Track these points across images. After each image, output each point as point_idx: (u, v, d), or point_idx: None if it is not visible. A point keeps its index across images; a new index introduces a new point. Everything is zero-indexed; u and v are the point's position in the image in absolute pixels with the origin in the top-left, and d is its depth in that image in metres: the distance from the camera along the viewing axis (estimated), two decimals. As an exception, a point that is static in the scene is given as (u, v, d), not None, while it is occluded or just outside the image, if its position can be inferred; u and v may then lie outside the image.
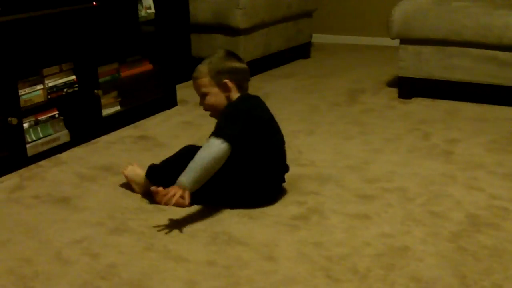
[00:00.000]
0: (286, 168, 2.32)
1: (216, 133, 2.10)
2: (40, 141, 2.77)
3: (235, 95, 2.24)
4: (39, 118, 2.79)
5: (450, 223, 2.08)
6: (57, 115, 2.87)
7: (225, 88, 2.22)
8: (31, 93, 2.74)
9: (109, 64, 3.15)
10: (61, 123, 2.89)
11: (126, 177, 2.41)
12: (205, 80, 2.24)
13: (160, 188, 2.24)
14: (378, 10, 4.96)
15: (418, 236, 2.00)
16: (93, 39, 3.00)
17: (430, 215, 2.15)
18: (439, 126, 3.08)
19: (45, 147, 2.78)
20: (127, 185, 2.43)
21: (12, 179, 2.56)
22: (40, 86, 2.77)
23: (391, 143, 2.86)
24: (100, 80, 3.06)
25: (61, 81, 2.85)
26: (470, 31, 3.29)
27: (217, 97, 2.23)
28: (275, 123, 2.29)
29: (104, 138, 3.03)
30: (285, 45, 4.43)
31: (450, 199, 2.27)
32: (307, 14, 4.63)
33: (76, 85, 2.92)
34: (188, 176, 2.05)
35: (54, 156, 2.79)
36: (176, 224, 2.11)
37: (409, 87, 3.58)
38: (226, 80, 2.21)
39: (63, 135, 2.87)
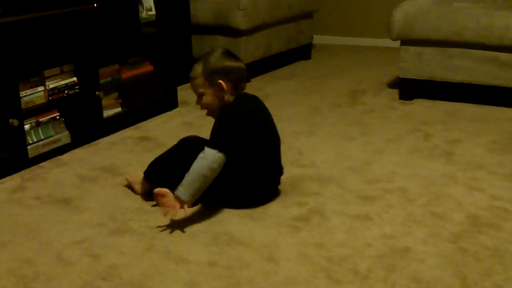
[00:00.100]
0: (280, 170, 2.32)
1: (211, 144, 2.11)
2: (41, 142, 2.77)
3: (230, 95, 2.23)
4: (40, 119, 2.79)
5: (451, 224, 2.08)
6: (58, 117, 2.87)
7: (219, 89, 2.22)
8: (32, 95, 2.74)
9: (110, 66, 3.15)
10: (62, 125, 2.89)
11: (127, 179, 2.41)
12: (200, 80, 2.24)
13: (163, 191, 2.15)
14: (379, 11, 4.96)
15: (419, 237, 2.00)
16: (94, 40, 3.00)
17: (431, 216, 2.15)
18: (440, 127, 3.08)
19: (46, 149, 2.78)
20: (128, 186, 2.43)
21: (13, 180, 2.57)
22: (41, 88, 2.78)
23: (392, 144, 2.86)
24: (101, 81, 3.06)
25: (62, 82, 2.86)
26: (471, 32, 3.29)
27: (212, 97, 2.24)
28: (271, 125, 2.28)
29: (105, 139, 3.03)
30: (286, 46, 4.43)
31: (451, 199, 2.27)
32: (308, 15, 4.63)
33: (77, 87, 2.92)
34: (186, 190, 2.07)
35: (55, 158, 2.79)
36: (177, 225, 2.11)
37: (410, 88, 3.58)
38: (220, 81, 2.20)
39: (64, 137, 2.88)
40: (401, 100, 3.56)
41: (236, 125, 2.15)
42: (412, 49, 3.50)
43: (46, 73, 2.79)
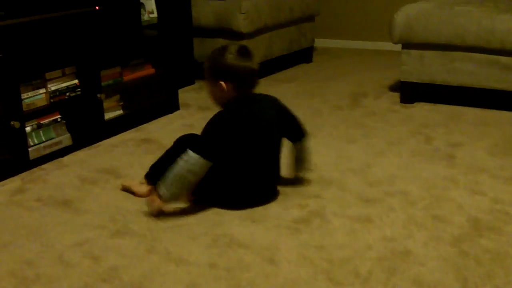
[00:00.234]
0: (276, 176, 2.31)
1: (195, 148, 2.10)
2: (42, 144, 2.77)
3: (232, 95, 2.22)
4: (42, 121, 2.79)
5: (452, 227, 2.08)
6: (59, 119, 2.87)
7: (220, 89, 2.22)
8: (34, 97, 2.74)
9: (111, 68, 3.15)
10: (64, 127, 2.90)
11: (123, 185, 2.43)
12: (206, 74, 2.27)
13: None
14: (381, 15, 4.96)
15: (420, 240, 2.00)
16: (96, 43, 3.00)
17: (432, 219, 2.14)
18: (441, 130, 3.08)
19: (47, 151, 2.78)
20: (126, 191, 2.43)
21: (14, 182, 2.57)
22: (42, 90, 2.78)
23: (393, 147, 2.86)
24: (103, 83, 3.07)
25: (63, 85, 2.86)
26: (472, 35, 3.29)
27: (215, 94, 2.26)
28: (268, 127, 2.24)
29: (107, 141, 3.04)
30: (287, 49, 4.43)
31: (452, 203, 2.26)
32: (310, 19, 4.63)
33: (79, 89, 2.93)
34: (165, 187, 2.12)
35: (56, 160, 2.80)
36: (177, 227, 2.11)
37: (411, 92, 3.58)
38: (221, 82, 2.20)
39: (66, 139, 2.88)
40: (402, 104, 3.56)
41: (224, 131, 2.15)
42: (414, 52, 3.50)
43: (48, 75, 2.79)
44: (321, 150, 2.84)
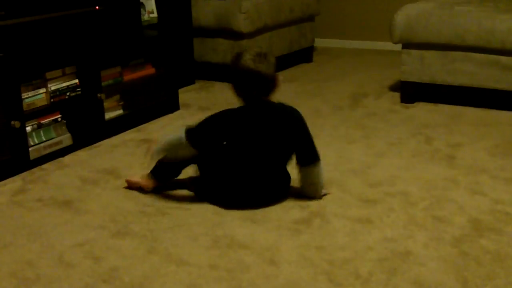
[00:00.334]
0: (265, 184, 2.27)
1: (188, 128, 2.26)
2: (42, 144, 2.77)
3: (240, 99, 2.26)
4: (42, 121, 2.79)
5: (453, 228, 2.08)
6: (59, 119, 2.87)
7: (232, 91, 2.27)
8: (34, 97, 2.74)
9: (112, 68, 3.15)
10: (64, 127, 2.90)
11: (129, 181, 2.43)
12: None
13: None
14: (381, 15, 4.96)
15: (420, 241, 2.00)
16: (96, 42, 3.00)
17: (432, 219, 2.14)
18: (441, 131, 3.08)
19: (48, 151, 2.78)
20: (130, 189, 2.43)
21: (14, 182, 2.57)
22: (43, 90, 2.78)
23: (393, 147, 2.86)
24: (103, 83, 3.07)
25: (64, 84, 2.86)
26: (473, 35, 3.29)
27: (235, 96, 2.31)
28: (259, 139, 2.22)
29: (107, 141, 3.04)
30: (287, 49, 4.43)
31: (453, 203, 2.26)
32: (310, 18, 4.63)
33: (79, 89, 2.93)
34: (156, 145, 2.33)
35: (56, 160, 2.80)
36: (178, 228, 2.12)
37: (411, 92, 3.58)
38: (231, 84, 2.25)
39: (66, 139, 2.88)
40: (403, 104, 3.56)
41: (215, 128, 2.25)
42: (414, 52, 3.49)
43: (48, 75, 2.79)
44: (321, 150, 2.82)
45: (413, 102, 3.57)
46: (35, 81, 2.75)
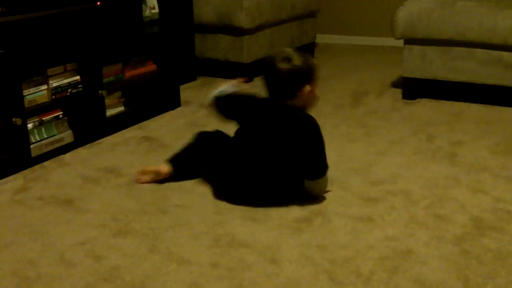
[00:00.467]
0: (249, 177, 2.26)
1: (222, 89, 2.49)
2: (44, 141, 2.77)
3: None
4: (43, 118, 2.79)
5: (454, 226, 2.08)
6: (61, 116, 2.87)
7: None
8: (36, 94, 2.74)
9: (113, 65, 3.15)
10: (65, 124, 2.90)
11: (145, 170, 2.49)
12: None
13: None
14: (382, 11, 4.94)
15: (421, 239, 2.00)
16: (97, 39, 3.00)
17: (434, 218, 2.14)
18: (443, 128, 3.07)
19: (49, 148, 2.78)
20: (131, 187, 2.43)
21: (16, 180, 2.57)
22: (44, 87, 2.78)
23: (395, 145, 2.86)
24: (104, 80, 3.06)
25: (65, 81, 2.86)
26: (474, 32, 3.28)
27: None
28: (254, 136, 2.28)
29: (108, 139, 3.03)
30: (289, 45, 4.40)
31: (454, 202, 2.26)
32: (311, 15, 4.62)
33: (80, 86, 2.92)
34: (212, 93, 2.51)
35: (58, 157, 2.79)
36: (179, 226, 2.12)
37: (413, 88, 3.57)
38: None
39: (67, 136, 2.88)
40: (405, 100, 3.55)
41: (234, 101, 2.41)
42: (416, 48, 3.49)
43: (50, 71, 2.79)
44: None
45: (414, 99, 3.57)
46: (37, 78, 2.75)
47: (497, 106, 3.37)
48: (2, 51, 2.56)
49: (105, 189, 2.44)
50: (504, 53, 3.26)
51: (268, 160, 2.24)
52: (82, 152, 2.87)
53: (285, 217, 2.17)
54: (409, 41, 3.50)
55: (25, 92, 2.68)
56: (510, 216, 2.14)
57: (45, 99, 2.78)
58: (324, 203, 2.27)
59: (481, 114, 3.28)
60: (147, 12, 3.49)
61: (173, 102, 3.50)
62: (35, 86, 2.74)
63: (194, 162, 2.48)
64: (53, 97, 2.81)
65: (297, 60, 2.21)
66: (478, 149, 2.78)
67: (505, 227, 2.07)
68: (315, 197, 2.30)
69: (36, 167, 2.69)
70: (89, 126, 2.98)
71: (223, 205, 2.27)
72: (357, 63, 4.56)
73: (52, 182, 2.54)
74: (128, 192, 2.40)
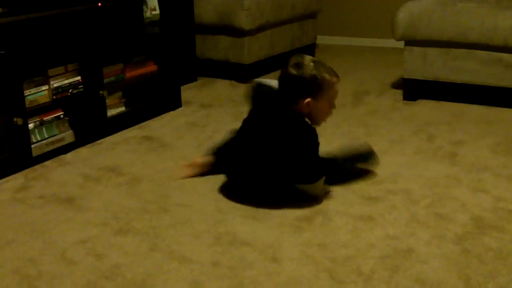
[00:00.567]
0: (247, 175, 2.28)
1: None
2: (45, 141, 2.77)
3: None
4: (44, 118, 2.79)
5: (455, 225, 2.08)
6: (62, 116, 2.87)
7: None
8: (37, 94, 2.74)
9: (114, 65, 3.15)
10: (66, 124, 2.90)
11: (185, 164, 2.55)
12: None
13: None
14: (383, 12, 4.95)
15: (422, 238, 2.00)
16: (98, 39, 3.00)
17: (434, 217, 2.14)
18: (444, 128, 3.07)
19: (50, 147, 2.78)
20: (131, 186, 2.44)
21: (17, 179, 2.57)
22: (45, 87, 2.78)
23: (396, 145, 2.86)
24: (105, 80, 3.07)
25: (66, 81, 2.86)
26: (475, 33, 3.29)
27: None
28: (249, 134, 2.31)
29: (109, 138, 3.04)
30: (289, 46, 4.43)
31: (455, 201, 2.26)
32: (312, 15, 4.63)
33: (81, 86, 2.93)
34: None
35: (58, 157, 2.80)
36: (180, 225, 2.12)
37: (414, 89, 3.57)
38: None
39: (68, 136, 2.88)
40: (405, 101, 3.56)
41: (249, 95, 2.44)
42: (416, 49, 3.49)
43: (50, 72, 2.79)
44: (323, 148, 2.83)
45: (415, 100, 3.57)
46: (37, 78, 2.75)
47: (497, 107, 3.37)
48: (3, 52, 2.56)
49: (106, 188, 2.45)
50: (505, 54, 3.26)
51: (262, 159, 2.24)
52: (83, 151, 2.88)
53: (286, 216, 2.17)
54: (410, 42, 3.50)
55: (26, 92, 2.68)
56: (510, 215, 2.14)
57: (46, 99, 2.79)
58: (325, 202, 2.27)
59: (482, 114, 3.29)
60: (148, 13, 3.49)
61: (174, 102, 3.51)
62: (36, 86, 2.74)
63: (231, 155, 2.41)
64: (54, 97, 2.81)
65: (306, 71, 2.20)
66: (479, 148, 2.78)
67: (506, 226, 2.07)
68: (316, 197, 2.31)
69: (37, 166, 2.69)
70: (90, 126, 2.98)
71: (224, 203, 2.28)
72: (358, 64, 4.57)
73: (53, 181, 2.54)
74: (129, 191, 2.40)
